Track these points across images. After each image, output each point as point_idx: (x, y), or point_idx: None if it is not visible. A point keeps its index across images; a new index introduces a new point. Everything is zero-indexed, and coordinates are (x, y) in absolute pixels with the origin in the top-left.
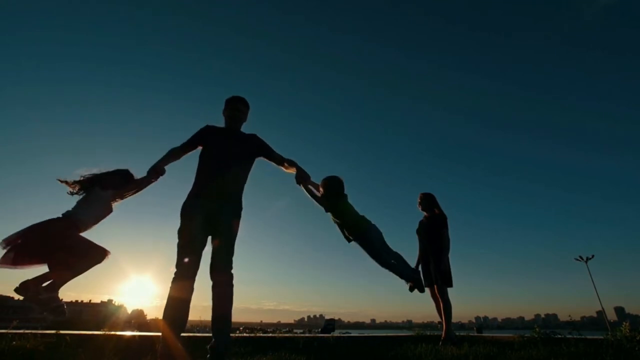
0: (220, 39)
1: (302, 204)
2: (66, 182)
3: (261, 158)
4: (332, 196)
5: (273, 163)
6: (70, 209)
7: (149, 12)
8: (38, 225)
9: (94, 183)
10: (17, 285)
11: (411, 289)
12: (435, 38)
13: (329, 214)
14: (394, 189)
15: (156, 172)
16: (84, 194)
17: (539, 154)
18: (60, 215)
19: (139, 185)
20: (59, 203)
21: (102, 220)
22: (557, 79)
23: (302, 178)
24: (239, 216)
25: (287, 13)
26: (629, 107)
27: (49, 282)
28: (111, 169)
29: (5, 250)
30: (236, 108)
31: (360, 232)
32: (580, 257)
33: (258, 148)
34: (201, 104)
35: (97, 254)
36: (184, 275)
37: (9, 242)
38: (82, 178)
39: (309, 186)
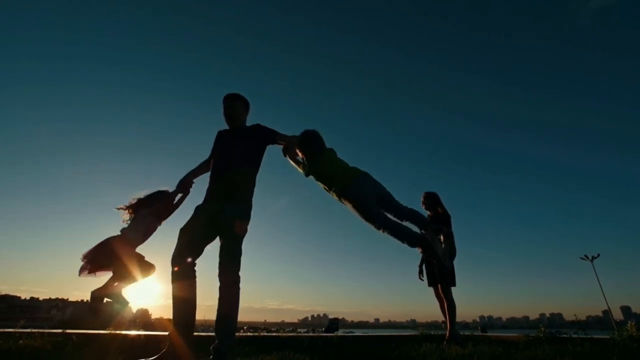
0: (220, 39)
1: (305, 202)
2: (123, 208)
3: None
4: (308, 155)
5: (282, 146)
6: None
7: (149, 12)
8: (103, 241)
9: (139, 205)
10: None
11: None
12: (436, 38)
13: (318, 182)
14: (397, 188)
15: (183, 185)
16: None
17: (543, 154)
18: (119, 232)
19: (170, 200)
20: (59, 203)
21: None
22: (559, 79)
23: (288, 150)
24: (243, 216)
25: (287, 13)
26: (631, 108)
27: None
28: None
29: (83, 262)
30: (227, 105)
31: (344, 187)
32: (586, 256)
33: (262, 138)
34: (201, 104)
35: (142, 270)
36: (179, 274)
37: (85, 255)
38: (130, 203)
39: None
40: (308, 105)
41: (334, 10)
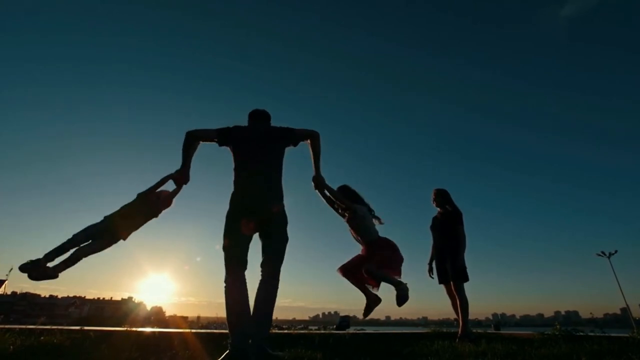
0: (230, 37)
1: (313, 200)
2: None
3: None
4: None
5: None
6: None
7: (151, 9)
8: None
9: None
10: None
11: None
12: (454, 36)
13: None
14: (405, 184)
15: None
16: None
17: (557, 151)
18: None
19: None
20: (74, 203)
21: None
22: (578, 77)
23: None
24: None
25: (287, 7)
26: None
27: None
28: None
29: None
30: None
31: None
32: (603, 252)
33: None
34: (205, 101)
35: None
36: None
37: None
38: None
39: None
40: (310, 100)
41: (334, 4)
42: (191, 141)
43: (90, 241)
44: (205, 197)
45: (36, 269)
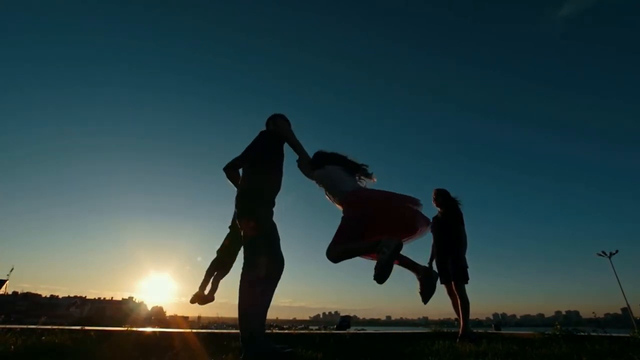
0: (230, 37)
1: (314, 199)
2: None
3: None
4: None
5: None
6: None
7: (157, 10)
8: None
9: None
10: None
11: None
12: (454, 36)
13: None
14: (406, 183)
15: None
16: None
17: (558, 151)
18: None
19: None
20: (76, 204)
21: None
22: (578, 77)
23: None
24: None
25: (300, 9)
26: None
27: None
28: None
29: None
30: None
31: None
32: (603, 252)
33: None
34: (205, 102)
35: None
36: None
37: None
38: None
39: None
40: (310, 100)
41: (334, 4)
42: (229, 173)
43: (216, 271)
44: (206, 198)
45: (196, 299)
